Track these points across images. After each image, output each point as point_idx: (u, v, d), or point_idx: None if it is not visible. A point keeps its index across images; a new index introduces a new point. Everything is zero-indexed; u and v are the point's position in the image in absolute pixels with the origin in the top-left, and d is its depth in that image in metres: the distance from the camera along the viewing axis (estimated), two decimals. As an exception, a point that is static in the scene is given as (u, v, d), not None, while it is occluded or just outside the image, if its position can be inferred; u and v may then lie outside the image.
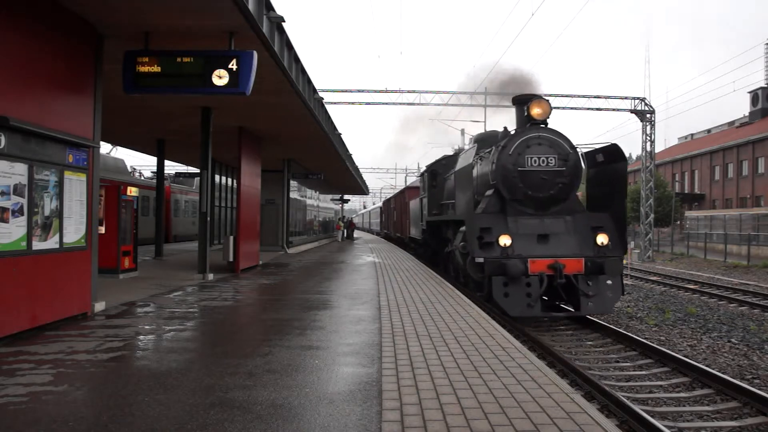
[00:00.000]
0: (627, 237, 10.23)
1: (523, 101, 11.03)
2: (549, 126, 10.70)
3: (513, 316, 9.49)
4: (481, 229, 9.79)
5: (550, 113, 10.66)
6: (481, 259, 9.48)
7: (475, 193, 11.65)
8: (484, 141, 13.02)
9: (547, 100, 10.84)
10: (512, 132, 11.19)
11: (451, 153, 19.53)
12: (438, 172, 18.09)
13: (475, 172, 12.15)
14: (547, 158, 10.21)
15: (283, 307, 8.92)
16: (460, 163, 12.13)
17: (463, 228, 11.10)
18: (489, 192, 10.92)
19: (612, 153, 10.85)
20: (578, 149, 10.66)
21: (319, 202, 36.39)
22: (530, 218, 10.21)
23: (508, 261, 9.27)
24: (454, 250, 11.89)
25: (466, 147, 14.00)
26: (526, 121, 10.71)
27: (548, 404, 4.21)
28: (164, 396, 4.36)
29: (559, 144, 10.36)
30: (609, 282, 9.59)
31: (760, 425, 5.50)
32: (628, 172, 11.10)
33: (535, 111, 10.52)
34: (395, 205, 37.32)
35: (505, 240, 9.57)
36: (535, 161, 10.20)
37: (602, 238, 9.78)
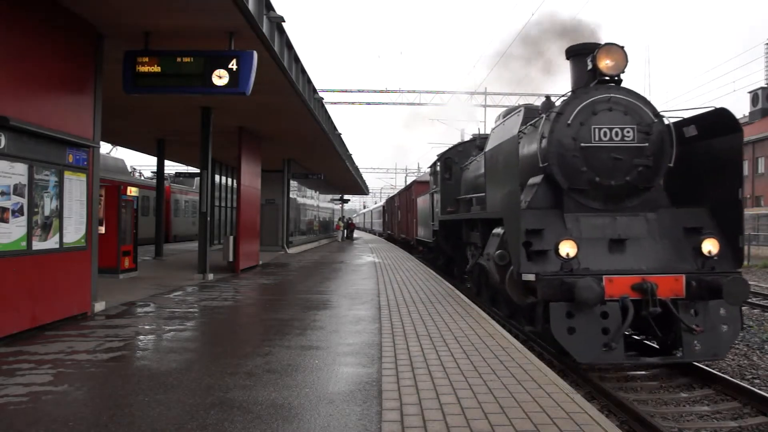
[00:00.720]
0: (743, 243, 7.18)
1: (583, 51, 7.88)
2: (623, 86, 7.67)
3: (582, 363, 6.52)
4: (527, 231, 6.89)
5: (625, 66, 7.55)
6: (530, 276, 6.65)
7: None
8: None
9: (623, 47, 7.51)
10: (567, 95, 7.84)
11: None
12: (453, 161, 15.14)
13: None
14: (621, 130, 7.28)
15: (283, 307, 8.93)
16: (495, 139, 8.65)
17: (498, 230, 8.34)
18: (535, 179, 7.89)
19: (714, 122, 7.40)
20: (665, 118, 7.59)
21: (318, 202, 36.38)
22: (597, 216, 7.34)
23: (576, 280, 6.29)
24: (486, 260, 8.79)
25: (503, 118, 9.79)
26: (589, 79, 7.69)
27: (548, 404, 4.21)
28: (164, 396, 4.36)
29: (639, 109, 7.39)
30: (723, 311, 6.61)
31: (760, 425, 5.50)
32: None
33: (605, 63, 7.47)
34: (400, 203, 33.51)
35: (567, 248, 6.64)
36: (604, 134, 7.28)
37: (710, 245, 6.84)
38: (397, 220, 35.71)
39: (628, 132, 7.32)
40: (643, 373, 7.21)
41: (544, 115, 7.95)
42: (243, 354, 5.73)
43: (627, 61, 7.53)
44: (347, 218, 47.73)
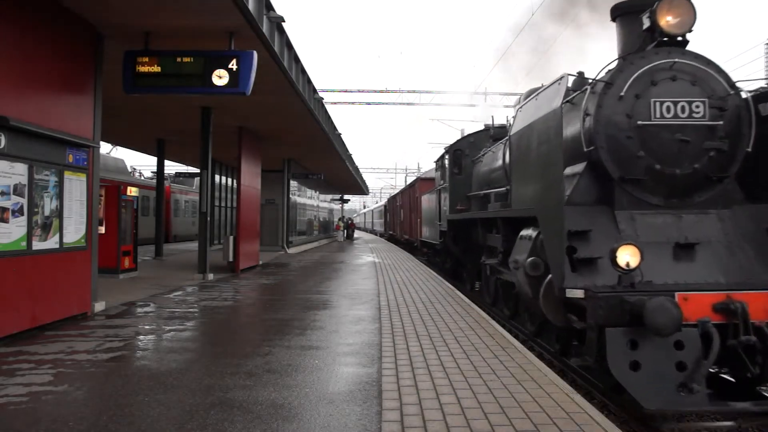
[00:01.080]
0: None
1: (635, 8, 6.46)
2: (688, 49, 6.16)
3: (650, 409, 4.85)
4: (570, 233, 5.48)
5: (693, 24, 6.08)
6: (577, 292, 5.25)
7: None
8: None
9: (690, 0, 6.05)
10: (616, 62, 6.40)
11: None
12: (464, 153, 13.58)
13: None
14: (689, 104, 5.84)
15: (283, 307, 8.92)
16: (524, 119, 7.05)
17: (528, 231, 6.79)
18: (575, 168, 6.46)
19: None
20: (743, 90, 6.16)
21: (318, 202, 36.40)
22: (658, 214, 5.95)
23: (642, 299, 4.78)
24: (513, 268, 7.08)
25: (526, 99, 7.71)
26: (646, 41, 6.30)
27: (548, 404, 4.21)
28: (164, 396, 4.36)
29: (710, 78, 5.98)
30: None
31: (761, 425, 5.49)
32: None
33: (667, 19, 6.03)
34: (403, 202, 31.49)
35: (628, 255, 5.10)
36: (667, 109, 5.84)
37: None
38: (399, 220, 34.11)
39: (697, 107, 5.86)
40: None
41: (587, 88, 6.44)
42: (243, 354, 5.73)
43: (695, 17, 6.06)
44: (347, 218, 47.77)
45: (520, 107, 7.68)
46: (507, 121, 12.40)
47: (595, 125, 6.11)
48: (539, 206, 6.26)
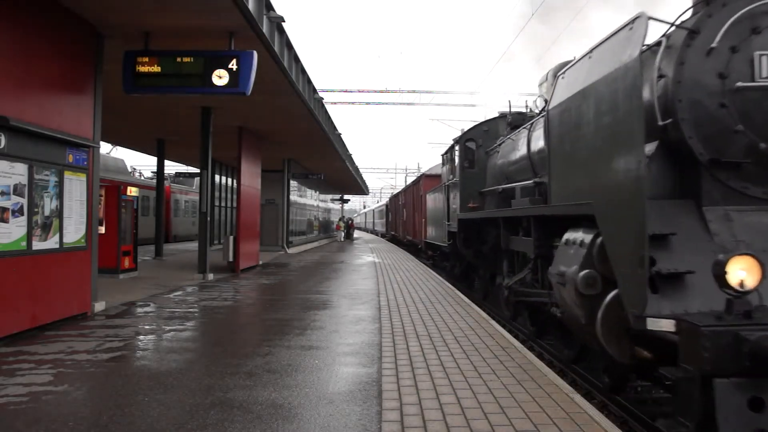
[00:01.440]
0: None
1: None
2: None
3: None
4: (650, 237, 3.89)
5: None
6: (666, 323, 3.79)
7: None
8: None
9: None
10: (699, 7, 4.79)
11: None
12: (477, 143, 12.11)
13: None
14: None
15: (283, 307, 8.92)
16: (568, 87, 5.53)
17: (576, 234, 5.15)
18: (647, 148, 4.49)
19: None
20: None
21: (318, 202, 36.40)
22: (762, 211, 4.51)
23: None
24: (556, 282, 5.32)
25: (555, 76, 6.36)
26: None
27: (548, 404, 4.21)
28: (164, 396, 4.36)
29: None
30: None
31: (760, 425, 5.49)
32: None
33: None
34: (406, 201, 29.73)
35: (742, 271, 3.54)
36: None
37: None
38: (402, 220, 32.20)
39: None
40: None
41: (662, 40, 4.83)
42: (243, 354, 5.73)
43: None
44: (347, 218, 47.79)
45: (563, 73, 5.93)
46: (527, 107, 11.47)
47: (675, 89, 4.55)
48: (599, 200, 4.61)
